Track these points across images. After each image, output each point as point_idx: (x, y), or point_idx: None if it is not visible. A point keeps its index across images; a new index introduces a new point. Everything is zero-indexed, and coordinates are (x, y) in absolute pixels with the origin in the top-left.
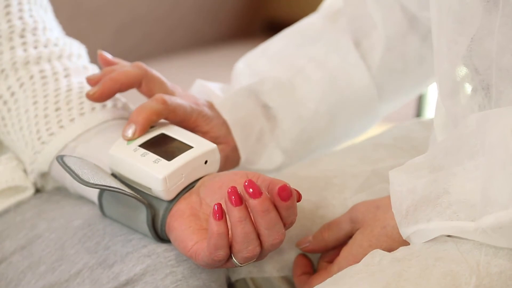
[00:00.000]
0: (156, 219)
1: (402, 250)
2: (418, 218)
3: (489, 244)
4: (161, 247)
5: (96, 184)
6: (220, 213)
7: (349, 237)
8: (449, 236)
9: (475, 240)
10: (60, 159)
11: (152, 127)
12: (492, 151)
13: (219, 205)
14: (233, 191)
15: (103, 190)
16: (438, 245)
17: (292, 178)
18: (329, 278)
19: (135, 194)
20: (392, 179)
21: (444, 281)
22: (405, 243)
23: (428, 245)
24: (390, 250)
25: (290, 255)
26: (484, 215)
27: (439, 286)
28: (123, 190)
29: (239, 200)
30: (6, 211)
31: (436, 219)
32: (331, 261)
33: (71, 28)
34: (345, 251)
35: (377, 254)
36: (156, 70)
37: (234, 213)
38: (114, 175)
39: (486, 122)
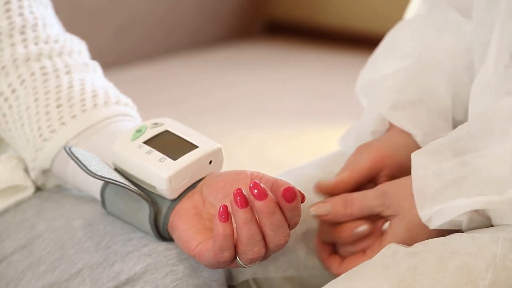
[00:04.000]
0: (158, 217)
1: (417, 245)
2: (443, 198)
3: None
4: (162, 246)
5: (103, 177)
6: (226, 215)
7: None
8: (464, 232)
9: (492, 234)
10: (68, 149)
11: (155, 123)
12: None
13: (225, 206)
14: (239, 192)
15: (105, 186)
16: (454, 239)
17: (297, 179)
18: (344, 273)
19: (140, 191)
20: (414, 162)
21: (459, 274)
22: (442, 233)
23: (444, 239)
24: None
25: (295, 255)
26: None
27: (455, 280)
28: (128, 186)
29: (245, 202)
30: (6, 210)
31: (462, 197)
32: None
33: (71, 28)
34: (385, 241)
35: (392, 248)
36: (156, 70)
37: (240, 215)
38: (117, 171)
39: None
